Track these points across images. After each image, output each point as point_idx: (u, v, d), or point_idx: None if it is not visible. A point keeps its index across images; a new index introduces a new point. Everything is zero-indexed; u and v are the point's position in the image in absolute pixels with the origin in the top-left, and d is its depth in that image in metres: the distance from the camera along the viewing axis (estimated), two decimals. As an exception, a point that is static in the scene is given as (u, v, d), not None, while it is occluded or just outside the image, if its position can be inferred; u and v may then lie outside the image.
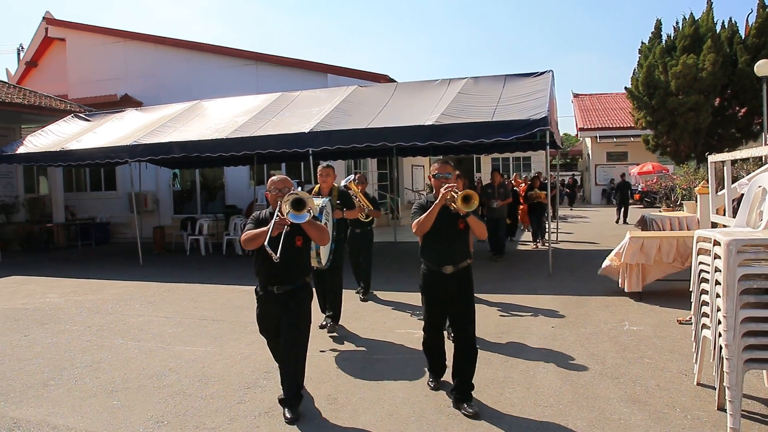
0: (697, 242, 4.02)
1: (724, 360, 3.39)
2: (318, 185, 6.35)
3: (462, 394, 4.03)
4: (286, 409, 3.98)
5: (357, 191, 7.27)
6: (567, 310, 6.78)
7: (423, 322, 4.32)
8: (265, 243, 3.69)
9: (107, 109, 16.46)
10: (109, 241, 17.30)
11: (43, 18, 20.02)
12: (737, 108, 13.17)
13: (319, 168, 6.30)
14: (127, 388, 4.64)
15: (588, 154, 34.84)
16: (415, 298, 5.88)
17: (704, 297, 3.97)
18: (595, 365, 4.82)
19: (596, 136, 30.85)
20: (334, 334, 6.12)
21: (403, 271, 10.00)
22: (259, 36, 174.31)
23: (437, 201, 3.92)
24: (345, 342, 5.88)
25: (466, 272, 4.15)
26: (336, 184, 6.45)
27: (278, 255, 3.67)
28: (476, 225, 4.01)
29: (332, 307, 6.30)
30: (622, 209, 18.86)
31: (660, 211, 11.16)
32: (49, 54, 20.83)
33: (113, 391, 4.59)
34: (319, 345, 5.66)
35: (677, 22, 13.50)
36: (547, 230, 10.91)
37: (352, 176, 7.62)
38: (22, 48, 41.05)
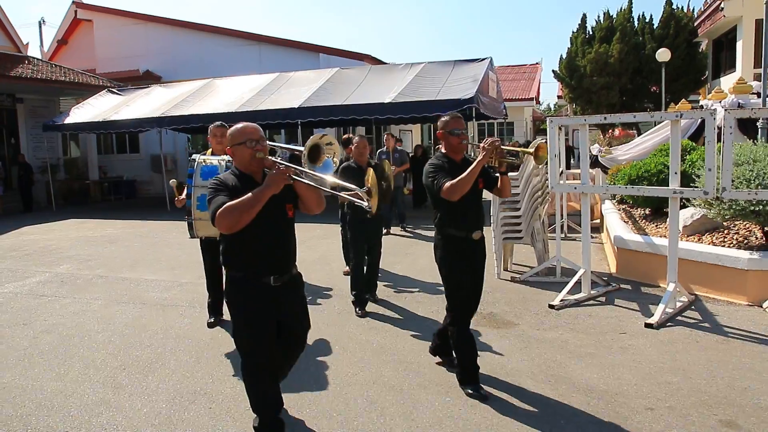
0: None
1: (494, 239, 6.59)
2: (210, 149, 5.24)
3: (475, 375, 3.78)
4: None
5: None
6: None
7: (449, 312, 3.85)
8: (361, 190, 2.82)
9: (131, 82, 19.61)
10: (135, 196, 20.50)
11: (73, 2, 22.88)
12: (650, 87, 16.09)
13: (211, 127, 5.15)
14: (183, 266, 7.94)
15: (567, 120, 37.69)
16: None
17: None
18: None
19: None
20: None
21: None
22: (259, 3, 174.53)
23: (480, 159, 3.49)
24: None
25: (484, 239, 3.90)
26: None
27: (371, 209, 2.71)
28: (508, 182, 3.81)
29: None
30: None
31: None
32: (77, 33, 23.77)
33: (175, 267, 7.90)
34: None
35: (598, 17, 16.47)
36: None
37: None
38: (44, 21, 43.97)
